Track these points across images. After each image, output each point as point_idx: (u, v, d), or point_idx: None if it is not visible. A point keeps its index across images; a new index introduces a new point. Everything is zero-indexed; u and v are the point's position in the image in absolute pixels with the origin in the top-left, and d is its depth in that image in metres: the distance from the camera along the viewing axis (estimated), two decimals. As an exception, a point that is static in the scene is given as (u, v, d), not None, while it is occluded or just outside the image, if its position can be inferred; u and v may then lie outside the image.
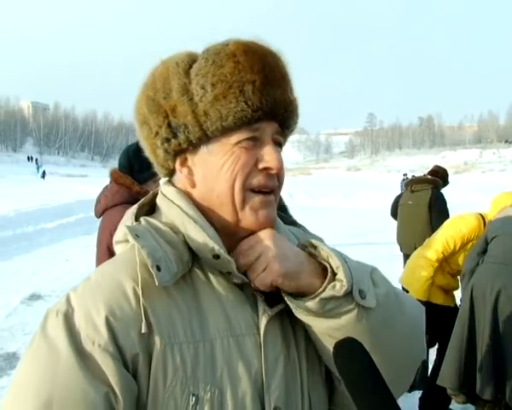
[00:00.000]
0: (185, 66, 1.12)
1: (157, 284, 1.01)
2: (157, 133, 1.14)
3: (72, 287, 1.09)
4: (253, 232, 1.14)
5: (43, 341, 1.01)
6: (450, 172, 7.57)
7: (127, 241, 1.13)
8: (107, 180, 3.42)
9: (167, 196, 1.18)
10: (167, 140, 1.14)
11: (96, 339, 0.99)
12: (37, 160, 79.13)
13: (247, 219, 1.12)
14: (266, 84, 1.09)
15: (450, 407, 4.51)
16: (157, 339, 1.02)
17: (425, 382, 4.37)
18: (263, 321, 1.10)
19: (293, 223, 1.36)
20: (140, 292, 1.03)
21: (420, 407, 4.55)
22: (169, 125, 1.12)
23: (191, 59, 1.13)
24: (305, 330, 1.16)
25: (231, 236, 1.14)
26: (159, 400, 1.02)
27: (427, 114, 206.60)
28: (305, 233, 1.32)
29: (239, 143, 1.10)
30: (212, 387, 1.04)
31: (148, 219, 1.15)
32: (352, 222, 18.80)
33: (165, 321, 1.04)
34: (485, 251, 4.00)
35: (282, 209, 1.56)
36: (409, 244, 6.84)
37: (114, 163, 4.11)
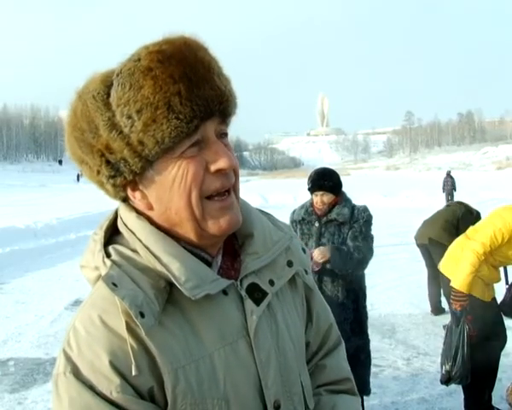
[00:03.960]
0: (102, 97, 1.04)
1: (144, 333, 1.00)
2: (99, 172, 1.08)
3: (64, 343, 1.07)
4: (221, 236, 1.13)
5: (67, 407, 1.00)
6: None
7: (96, 268, 1.10)
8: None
9: (128, 226, 1.12)
10: (111, 177, 1.07)
11: (111, 388, 0.99)
12: (78, 175, 79.90)
13: (211, 228, 1.08)
14: (193, 87, 1.01)
15: (498, 406, 4.42)
16: (163, 369, 1.02)
17: (462, 377, 4.26)
18: (253, 323, 1.12)
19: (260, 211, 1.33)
20: (127, 335, 1.00)
21: (465, 406, 4.47)
22: (107, 162, 1.05)
23: (106, 85, 1.05)
24: (285, 314, 1.22)
25: (203, 240, 1.12)
26: None
27: (466, 110, 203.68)
28: (274, 221, 1.31)
29: (183, 153, 1.04)
30: (218, 400, 1.06)
31: (118, 248, 1.11)
32: (393, 221, 18.56)
33: (165, 350, 1.03)
34: None
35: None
36: (422, 235, 7.59)
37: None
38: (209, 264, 1.13)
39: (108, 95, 1.04)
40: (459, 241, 4.47)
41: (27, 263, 12.04)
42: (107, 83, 1.05)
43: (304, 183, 4.82)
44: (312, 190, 4.20)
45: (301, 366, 1.25)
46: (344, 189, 4.28)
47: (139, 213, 1.12)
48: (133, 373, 0.99)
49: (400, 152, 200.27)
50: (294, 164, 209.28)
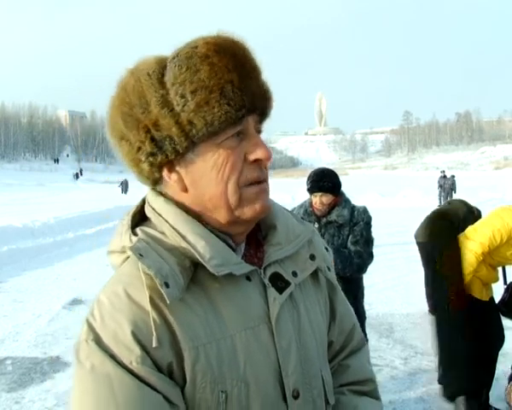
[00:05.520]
0: (158, 75, 1.09)
1: (168, 301, 1.02)
2: (139, 148, 1.11)
3: (88, 314, 1.09)
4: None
5: (88, 373, 1.02)
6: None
7: (123, 252, 1.13)
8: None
9: (156, 209, 1.16)
10: (152, 154, 1.10)
11: (131, 358, 1.01)
12: (77, 173, 79.10)
13: (246, 213, 1.12)
14: (243, 80, 1.07)
15: (496, 406, 4.43)
16: (183, 345, 1.05)
17: (458, 379, 4.25)
18: (275, 310, 1.14)
19: None
20: (149, 308, 1.03)
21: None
22: (152, 138, 1.09)
23: (161, 66, 1.10)
24: (308, 308, 1.24)
25: (233, 226, 1.15)
26: (192, 400, 1.06)
27: (464, 110, 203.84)
28: (296, 217, 1.35)
29: (225, 141, 1.08)
30: (238, 382, 1.08)
31: (145, 229, 1.14)
32: (390, 221, 18.59)
33: (186, 326, 1.06)
34: None
35: None
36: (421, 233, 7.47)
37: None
38: (233, 250, 1.16)
39: (163, 74, 1.09)
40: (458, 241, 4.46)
41: (25, 262, 12.06)
42: (161, 64, 1.10)
43: (302, 182, 4.82)
44: (312, 190, 4.18)
45: (323, 362, 1.26)
46: (342, 189, 4.26)
47: (167, 198, 1.16)
48: (153, 345, 1.01)
49: (398, 152, 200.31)
50: (292, 163, 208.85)
